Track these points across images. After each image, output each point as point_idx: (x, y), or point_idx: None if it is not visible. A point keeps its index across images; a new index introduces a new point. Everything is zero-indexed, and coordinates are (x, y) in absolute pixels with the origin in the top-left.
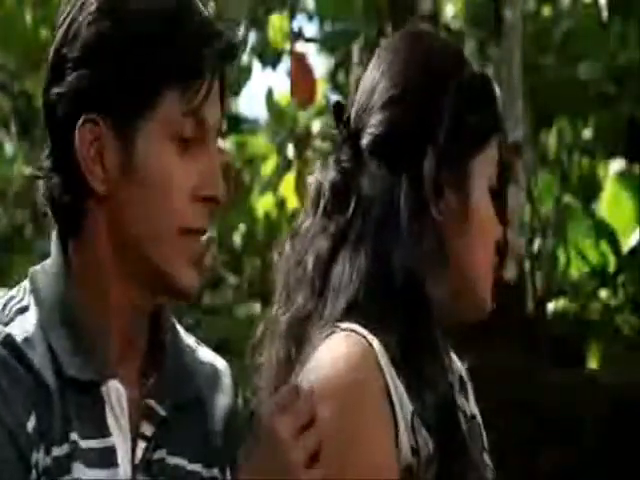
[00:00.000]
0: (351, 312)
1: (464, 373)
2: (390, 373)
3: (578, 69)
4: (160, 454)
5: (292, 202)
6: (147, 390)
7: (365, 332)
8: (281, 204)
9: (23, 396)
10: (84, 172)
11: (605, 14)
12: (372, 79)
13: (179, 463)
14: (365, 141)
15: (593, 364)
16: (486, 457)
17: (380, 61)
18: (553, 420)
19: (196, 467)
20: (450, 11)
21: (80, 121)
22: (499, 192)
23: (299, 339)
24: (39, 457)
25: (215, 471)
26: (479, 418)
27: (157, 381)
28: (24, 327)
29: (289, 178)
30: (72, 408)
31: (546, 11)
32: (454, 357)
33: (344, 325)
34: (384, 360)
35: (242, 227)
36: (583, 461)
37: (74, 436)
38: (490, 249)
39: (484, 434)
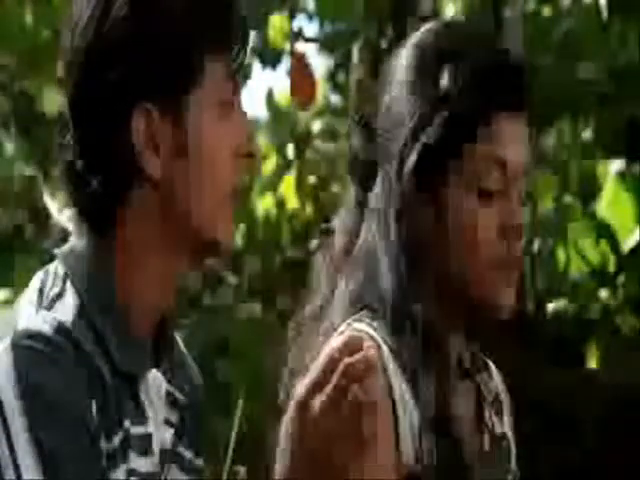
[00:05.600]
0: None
1: (502, 391)
2: (396, 374)
3: (578, 69)
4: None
5: (292, 202)
6: (164, 376)
7: (376, 334)
8: (281, 204)
9: (83, 383)
10: (139, 161)
11: (605, 14)
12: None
13: (187, 455)
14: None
15: (593, 364)
16: (509, 478)
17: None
18: (553, 420)
19: (199, 461)
20: (450, 11)
21: (131, 112)
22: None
23: (309, 341)
24: (102, 444)
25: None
26: (511, 439)
27: (169, 368)
28: (66, 313)
29: (289, 178)
30: (122, 394)
31: (546, 11)
32: (494, 375)
33: (357, 325)
34: (390, 362)
35: (242, 227)
36: (583, 461)
37: (127, 423)
38: (478, 245)
39: (513, 455)
